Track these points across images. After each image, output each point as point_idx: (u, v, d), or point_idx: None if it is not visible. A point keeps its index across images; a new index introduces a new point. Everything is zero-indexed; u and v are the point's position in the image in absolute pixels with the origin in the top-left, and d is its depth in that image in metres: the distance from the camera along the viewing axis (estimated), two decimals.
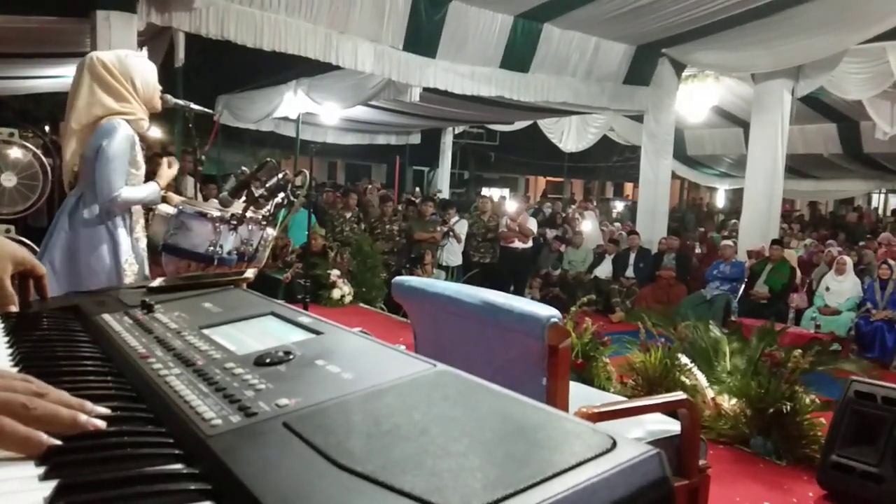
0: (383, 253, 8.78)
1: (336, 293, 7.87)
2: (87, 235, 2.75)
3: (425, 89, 8.27)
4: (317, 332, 0.89)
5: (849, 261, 8.24)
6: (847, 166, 14.41)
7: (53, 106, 10.15)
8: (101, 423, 0.61)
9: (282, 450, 0.56)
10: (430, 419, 0.59)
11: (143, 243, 2.89)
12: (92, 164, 2.72)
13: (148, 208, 2.95)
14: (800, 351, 3.83)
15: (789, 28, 7.57)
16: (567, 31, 8.33)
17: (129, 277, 2.76)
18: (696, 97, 10.40)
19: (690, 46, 8.79)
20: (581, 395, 2.51)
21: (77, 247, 2.74)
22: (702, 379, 4.14)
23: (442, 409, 0.62)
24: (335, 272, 7.97)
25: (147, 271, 2.91)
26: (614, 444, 0.53)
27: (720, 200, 21.18)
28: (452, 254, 9.32)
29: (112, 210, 2.75)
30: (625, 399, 2.92)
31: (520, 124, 13.97)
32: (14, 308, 1.08)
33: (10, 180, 5.44)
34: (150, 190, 2.85)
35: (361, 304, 8.06)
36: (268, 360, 0.77)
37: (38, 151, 5.56)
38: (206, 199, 3.83)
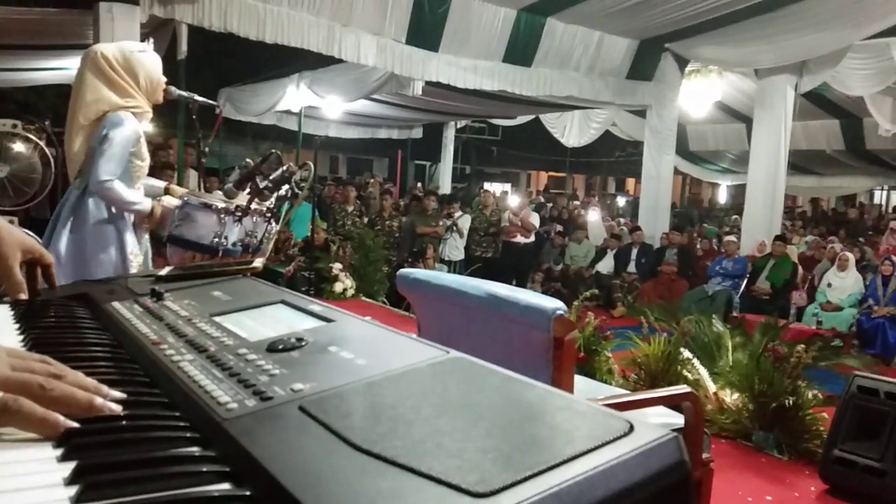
0: (385, 247, 8.77)
1: (338, 287, 7.86)
2: (93, 227, 2.75)
3: (428, 83, 8.25)
4: (328, 320, 0.89)
5: (851, 257, 8.23)
6: (850, 163, 14.39)
7: (56, 98, 10.13)
8: (117, 407, 0.62)
9: (299, 433, 0.56)
10: (447, 403, 0.59)
11: (146, 234, 2.90)
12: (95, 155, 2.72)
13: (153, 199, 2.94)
14: (803, 346, 3.83)
15: (793, 23, 7.55)
16: (570, 26, 8.31)
17: (135, 269, 2.77)
18: (699, 92, 10.38)
19: (693, 41, 8.77)
20: (585, 388, 2.51)
21: (84, 238, 2.74)
22: (704, 373, 4.14)
23: (458, 394, 0.62)
24: (337, 266, 7.97)
25: (150, 263, 2.92)
26: (632, 428, 0.53)
27: (722, 196, 21.17)
28: (454, 248, 9.32)
29: (101, 196, 2.71)
30: (628, 392, 2.92)
31: (522, 119, 13.95)
32: (24, 296, 1.09)
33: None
34: (142, 202, 2.78)
35: (363, 298, 8.06)
36: (280, 347, 0.77)
37: (41, 143, 5.54)
38: (208, 191, 3.83)
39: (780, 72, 8.64)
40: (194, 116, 3.15)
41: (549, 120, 13.37)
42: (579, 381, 2.39)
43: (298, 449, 0.53)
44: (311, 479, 0.49)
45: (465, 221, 9.40)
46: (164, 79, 2.91)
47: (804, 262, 9.28)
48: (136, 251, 2.85)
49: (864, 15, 7.21)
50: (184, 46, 7.55)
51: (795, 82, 8.79)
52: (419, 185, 16.67)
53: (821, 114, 12.10)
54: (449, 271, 8.60)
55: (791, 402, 3.68)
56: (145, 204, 2.80)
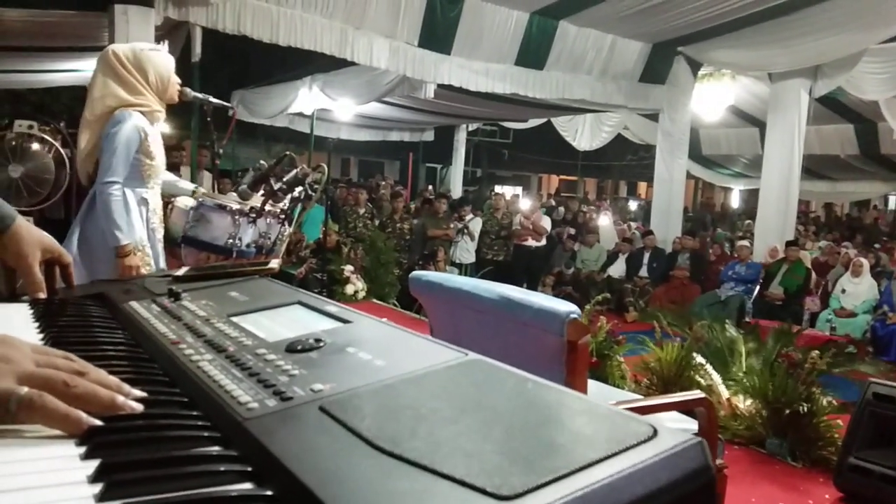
0: (396, 250, 8.78)
1: (350, 289, 7.88)
2: (105, 226, 2.76)
3: (440, 86, 8.27)
4: (345, 321, 0.89)
5: (865, 262, 8.16)
6: (864, 168, 14.26)
7: (71, 100, 10.22)
8: (139, 406, 0.62)
9: (320, 433, 0.56)
10: (468, 405, 0.59)
11: (159, 234, 2.90)
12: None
13: (167, 201, 2.96)
14: (817, 352, 3.80)
15: (808, 27, 7.50)
16: (583, 29, 8.31)
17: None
18: (712, 96, 10.33)
19: (707, 45, 8.74)
20: (597, 392, 2.50)
21: (94, 237, 2.76)
22: (717, 379, 4.11)
23: (478, 396, 0.61)
24: (349, 268, 7.98)
25: (163, 263, 2.92)
26: (655, 433, 0.52)
27: (735, 201, 21.05)
28: (466, 251, 9.33)
29: (101, 195, 2.67)
30: (641, 397, 2.91)
31: (533, 122, 13.94)
32: (42, 295, 1.09)
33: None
34: (123, 230, 2.67)
35: (374, 300, 8.07)
36: (299, 347, 0.77)
37: (56, 144, 5.58)
38: (222, 193, 3.85)
39: (795, 76, 8.59)
40: (209, 118, 3.17)
41: (561, 123, 13.35)
42: (592, 385, 2.38)
43: (319, 449, 0.53)
44: (333, 479, 0.48)
45: (476, 224, 9.40)
46: (176, 78, 2.92)
47: (818, 267, 9.22)
48: (147, 248, 2.83)
49: (879, 18, 7.16)
50: (198, 49, 7.61)
51: (810, 86, 8.73)
52: (430, 187, 16.68)
53: (835, 118, 12.01)
54: (460, 274, 8.60)
55: (805, 408, 3.65)
56: (123, 237, 2.66)
